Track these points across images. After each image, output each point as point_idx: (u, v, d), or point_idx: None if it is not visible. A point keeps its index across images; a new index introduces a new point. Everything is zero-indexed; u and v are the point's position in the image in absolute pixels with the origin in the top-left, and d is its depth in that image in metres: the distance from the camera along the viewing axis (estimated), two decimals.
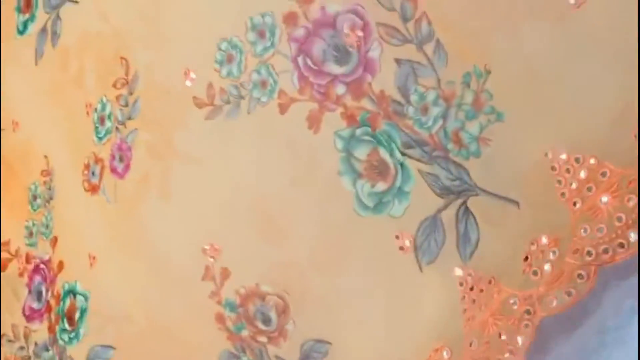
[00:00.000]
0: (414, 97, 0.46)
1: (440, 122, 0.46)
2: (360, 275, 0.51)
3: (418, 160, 0.47)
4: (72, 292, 0.74)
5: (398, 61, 0.47)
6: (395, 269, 0.48)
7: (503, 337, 0.42)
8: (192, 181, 0.61)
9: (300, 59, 0.52)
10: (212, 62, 0.58)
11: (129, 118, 0.67)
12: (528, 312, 0.42)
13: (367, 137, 0.49)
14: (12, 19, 0.84)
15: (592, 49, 0.41)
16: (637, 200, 0.39)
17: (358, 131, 0.49)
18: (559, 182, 0.42)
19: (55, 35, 0.77)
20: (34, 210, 0.83)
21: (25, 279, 0.82)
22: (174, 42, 0.62)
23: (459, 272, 0.46)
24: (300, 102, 0.52)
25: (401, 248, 0.48)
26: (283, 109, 0.53)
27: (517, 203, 0.44)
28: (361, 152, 0.49)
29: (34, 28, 0.80)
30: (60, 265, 0.77)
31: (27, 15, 0.82)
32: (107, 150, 0.70)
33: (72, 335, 0.73)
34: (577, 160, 0.41)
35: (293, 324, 0.54)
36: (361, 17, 0.48)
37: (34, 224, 0.83)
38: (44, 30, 0.79)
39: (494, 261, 0.44)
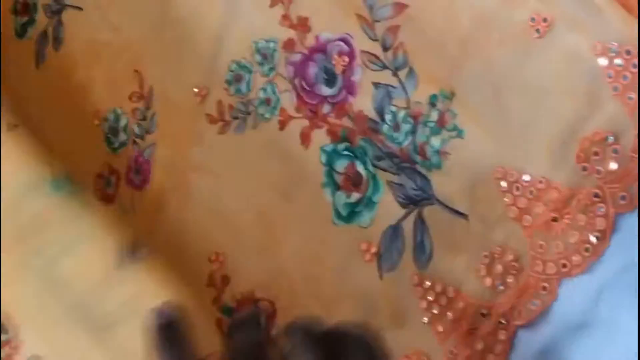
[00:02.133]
0: (388, 116, 0.50)
1: (410, 138, 0.49)
2: (333, 285, 0.52)
3: (387, 170, 0.50)
4: None
5: (375, 84, 0.51)
6: (361, 278, 0.51)
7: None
8: (208, 194, 0.61)
9: (296, 81, 0.56)
10: (222, 81, 0.60)
11: (147, 132, 0.67)
12: (501, 323, 0.45)
13: (346, 152, 0.52)
14: (8, 21, 0.79)
15: (550, 80, 0.44)
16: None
17: (340, 146, 0.53)
18: (508, 198, 0.44)
19: (57, 40, 0.74)
20: None
21: None
22: (185, 59, 0.63)
23: (415, 280, 0.48)
24: (297, 119, 0.56)
25: (366, 257, 0.51)
26: (282, 125, 0.56)
27: (465, 216, 0.46)
28: (340, 165, 0.53)
29: (33, 32, 0.77)
30: None
31: (25, 18, 0.78)
32: (123, 162, 0.69)
33: None
34: (525, 179, 0.44)
35: (277, 330, 0.56)
36: (348, 44, 0.53)
37: None
38: (44, 34, 0.76)
39: (449, 271, 0.47)
